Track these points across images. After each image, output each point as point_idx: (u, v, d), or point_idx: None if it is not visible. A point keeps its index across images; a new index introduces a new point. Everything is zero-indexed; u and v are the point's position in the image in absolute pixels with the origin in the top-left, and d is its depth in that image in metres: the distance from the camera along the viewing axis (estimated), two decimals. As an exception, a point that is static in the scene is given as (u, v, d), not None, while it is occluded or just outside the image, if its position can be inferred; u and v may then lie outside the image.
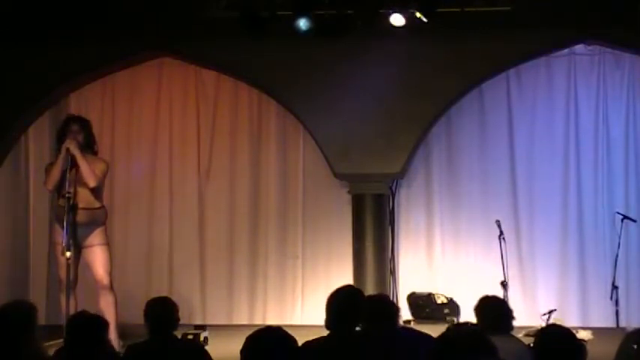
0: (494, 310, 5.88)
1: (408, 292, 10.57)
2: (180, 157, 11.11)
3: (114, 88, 11.14)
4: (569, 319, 9.72)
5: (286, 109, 10.67)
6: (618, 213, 10.31)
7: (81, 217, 8.15)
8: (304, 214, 10.93)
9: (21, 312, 5.28)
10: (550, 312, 9.42)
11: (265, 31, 9.14)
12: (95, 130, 8.68)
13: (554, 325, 5.10)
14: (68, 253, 7.95)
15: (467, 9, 9.45)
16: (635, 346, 5.68)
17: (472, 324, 5.85)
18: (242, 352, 3.86)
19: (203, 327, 9.06)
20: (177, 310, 5.90)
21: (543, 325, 8.47)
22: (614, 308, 10.11)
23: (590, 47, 10.60)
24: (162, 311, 5.85)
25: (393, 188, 10.68)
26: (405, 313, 10.35)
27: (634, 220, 10.29)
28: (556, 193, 10.67)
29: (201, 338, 8.52)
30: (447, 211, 10.82)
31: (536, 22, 9.77)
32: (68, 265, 7.99)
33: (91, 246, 8.28)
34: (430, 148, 10.84)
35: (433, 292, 10.45)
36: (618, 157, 10.60)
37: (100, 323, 5.21)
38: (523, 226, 10.65)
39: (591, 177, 10.62)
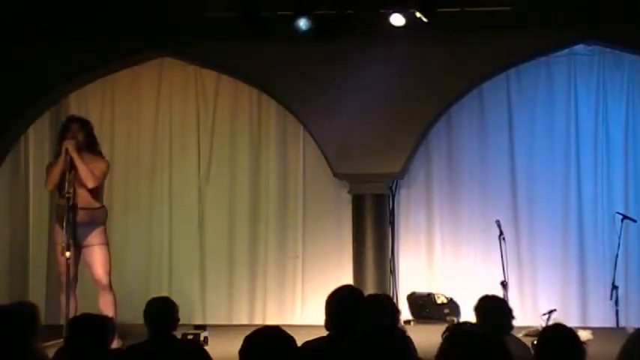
0: (494, 309, 5.88)
1: (408, 292, 10.57)
2: (180, 157, 11.10)
3: (114, 88, 11.14)
4: (569, 319, 9.70)
5: (286, 109, 10.67)
6: (618, 213, 10.32)
7: (80, 216, 8.17)
8: (304, 214, 10.93)
9: (24, 312, 5.27)
10: (550, 312, 9.42)
11: (265, 31, 9.14)
12: (95, 130, 8.69)
13: (557, 325, 5.11)
14: (68, 253, 7.97)
15: (467, 9, 9.46)
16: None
17: (472, 324, 5.86)
18: (241, 352, 3.85)
19: (203, 327, 9.06)
20: (177, 310, 5.91)
21: (543, 325, 8.47)
22: (614, 308, 10.12)
23: (590, 47, 10.61)
24: (162, 311, 5.85)
25: (393, 188, 10.68)
26: (405, 313, 10.36)
27: (634, 220, 10.29)
28: (556, 192, 10.67)
29: (201, 338, 8.51)
30: (447, 211, 10.82)
31: (537, 22, 9.77)
32: (68, 265, 8.00)
33: (90, 246, 8.29)
34: (430, 148, 10.84)
35: (433, 292, 10.45)
36: (618, 157, 10.60)
37: (103, 324, 5.20)
38: (523, 226, 10.65)
39: (591, 177, 10.63)
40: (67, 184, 8.06)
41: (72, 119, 8.60)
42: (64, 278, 8.10)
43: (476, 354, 3.27)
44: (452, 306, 10.29)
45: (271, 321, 10.24)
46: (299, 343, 4.13)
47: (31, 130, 11.06)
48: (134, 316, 7.10)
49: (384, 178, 10.42)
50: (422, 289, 10.57)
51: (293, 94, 10.42)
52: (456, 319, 9.99)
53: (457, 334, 3.39)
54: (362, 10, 9.18)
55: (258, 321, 10.61)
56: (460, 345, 3.31)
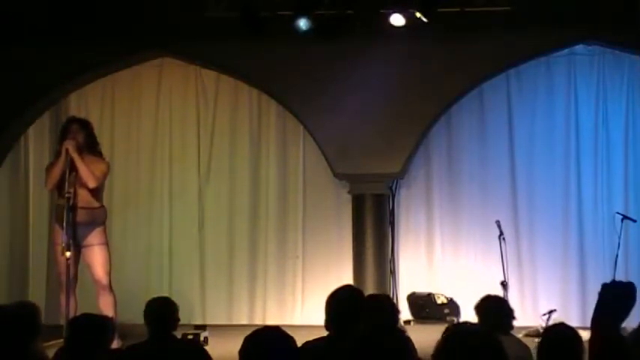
0: (495, 309, 5.88)
1: (408, 292, 10.57)
2: (180, 157, 11.11)
3: (114, 88, 11.14)
4: (569, 319, 9.66)
5: (286, 109, 10.67)
6: (618, 213, 10.30)
7: (80, 216, 8.17)
8: (304, 214, 10.93)
9: (24, 313, 5.27)
10: (550, 312, 9.42)
11: (265, 31, 9.15)
12: (95, 130, 8.70)
13: (559, 324, 5.11)
14: (68, 253, 7.97)
15: (467, 9, 9.46)
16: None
17: (472, 324, 5.86)
18: (241, 352, 3.85)
19: (203, 327, 9.07)
20: (177, 310, 5.91)
21: (543, 325, 8.47)
22: (614, 308, 10.09)
23: (590, 47, 10.61)
24: (162, 311, 5.85)
25: (393, 188, 10.68)
26: (405, 313, 10.36)
27: (634, 220, 10.28)
28: (556, 192, 10.67)
29: (201, 338, 8.52)
30: (446, 211, 10.82)
31: (536, 22, 9.77)
32: (68, 265, 8.00)
33: (90, 246, 8.29)
34: (430, 148, 10.84)
35: (433, 292, 10.45)
36: (618, 157, 10.60)
37: (103, 324, 5.20)
38: (523, 226, 10.65)
39: (591, 177, 10.63)
40: (67, 184, 8.06)
41: (72, 120, 8.62)
42: (64, 278, 8.10)
43: (469, 352, 3.27)
44: (452, 306, 10.29)
45: (271, 321, 10.24)
46: (299, 343, 4.12)
47: (31, 130, 11.06)
48: (134, 316, 7.09)
49: (384, 178, 10.42)
50: (422, 289, 10.57)
51: (293, 94, 10.42)
52: (456, 319, 9.99)
53: (452, 333, 3.39)
54: (362, 10, 9.19)
55: (258, 321, 10.61)
56: (454, 344, 3.31)
